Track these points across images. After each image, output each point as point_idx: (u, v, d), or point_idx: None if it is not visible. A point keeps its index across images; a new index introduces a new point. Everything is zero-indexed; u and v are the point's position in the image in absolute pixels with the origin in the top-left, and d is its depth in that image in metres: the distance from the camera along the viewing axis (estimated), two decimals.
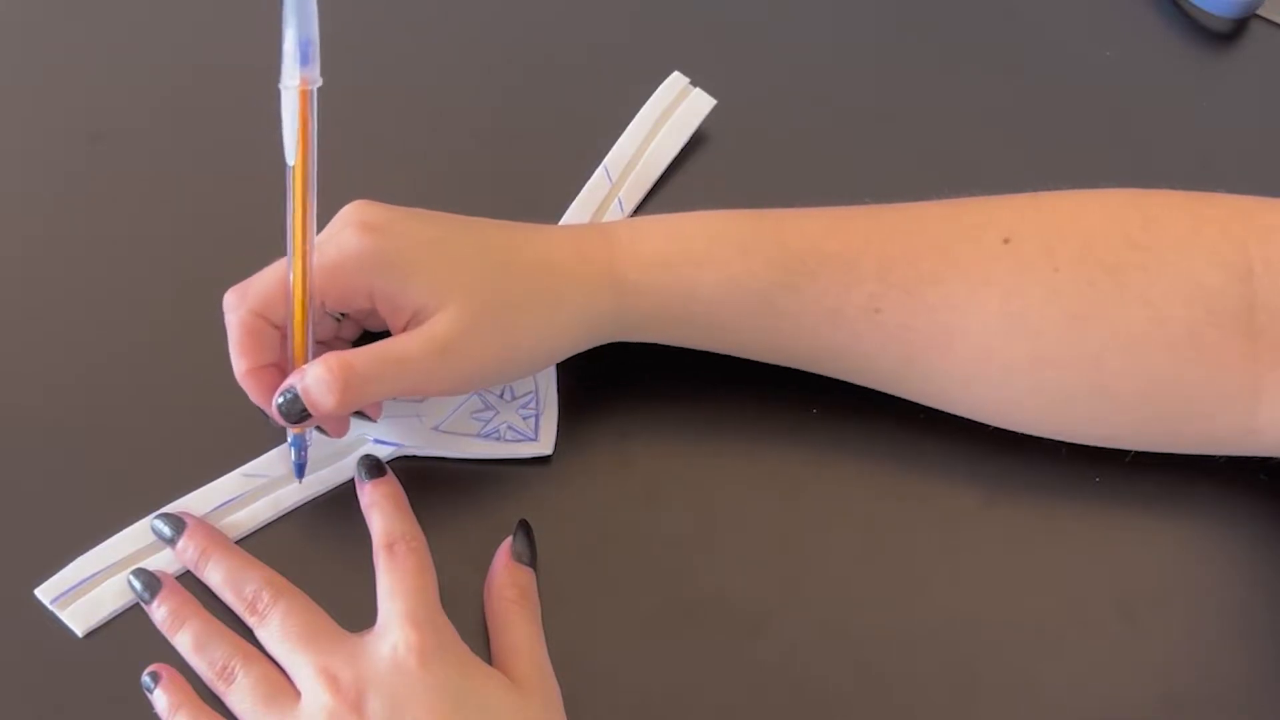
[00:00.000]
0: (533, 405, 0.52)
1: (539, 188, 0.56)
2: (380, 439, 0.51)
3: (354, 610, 0.48)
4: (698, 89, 0.58)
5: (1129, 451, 0.51)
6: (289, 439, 0.49)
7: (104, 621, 0.48)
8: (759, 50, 0.60)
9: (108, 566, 0.49)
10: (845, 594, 0.50)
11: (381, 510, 0.49)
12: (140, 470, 0.51)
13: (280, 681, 0.46)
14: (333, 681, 0.44)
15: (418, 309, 0.47)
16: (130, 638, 0.48)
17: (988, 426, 0.51)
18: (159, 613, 0.48)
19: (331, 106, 0.58)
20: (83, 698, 0.47)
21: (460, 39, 0.60)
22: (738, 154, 0.58)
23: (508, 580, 0.49)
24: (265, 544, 0.50)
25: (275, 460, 0.51)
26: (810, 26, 0.57)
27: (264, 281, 0.48)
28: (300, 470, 0.50)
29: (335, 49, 0.60)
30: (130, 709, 0.47)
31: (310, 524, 0.51)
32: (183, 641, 0.47)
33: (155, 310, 0.54)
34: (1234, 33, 0.61)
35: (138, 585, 0.48)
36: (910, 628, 0.49)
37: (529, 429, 0.52)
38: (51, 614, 0.48)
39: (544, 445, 0.51)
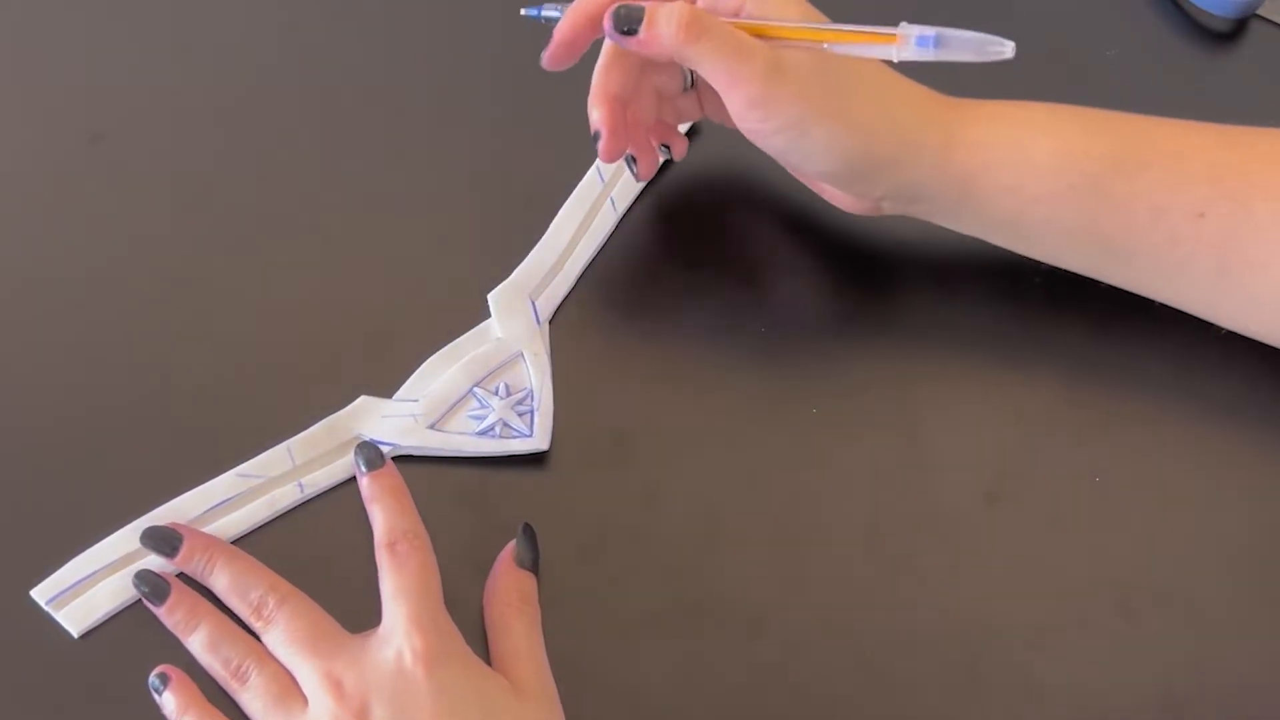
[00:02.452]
0: (529, 402, 0.52)
1: (531, 188, 0.56)
2: (376, 439, 0.51)
3: (353, 611, 0.48)
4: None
5: (1128, 451, 0.51)
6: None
7: (99, 622, 0.48)
8: None
9: (103, 567, 0.49)
10: (845, 594, 0.50)
11: (383, 505, 0.49)
12: (136, 470, 0.51)
13: (290, 684, 0.46)
14: (337, 687, 0.45)
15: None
16: (126, 638, 0.48)
17: (987, 426, 0.51)
18: (173, 616, 0.47)
19: (329, 105, 0.59)
20: (78, 698, 0.47)
21: (453, 41, 0.60)
22: (733, 154, 0.58)
23: (509, 584, 0.48)
24: (262, 545, 0.50)
25: (271, 461, 0.51)
26: None
27: None
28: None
29: (333, 49, 0.60)
30: (126, 709, 0.47)
31: (307, 525, 0.50)
32: (197, 641, 0.47)
33: (154, 310, 0.54)
34: (1234, 33, 0.61)
35: (145, 589, 0.48)
36: (910, 627, 0.49)
37: (525, 426, 0.52)
38: (47, 615, 0.48)
39: (540, 441, 0.51)
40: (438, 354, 0.53)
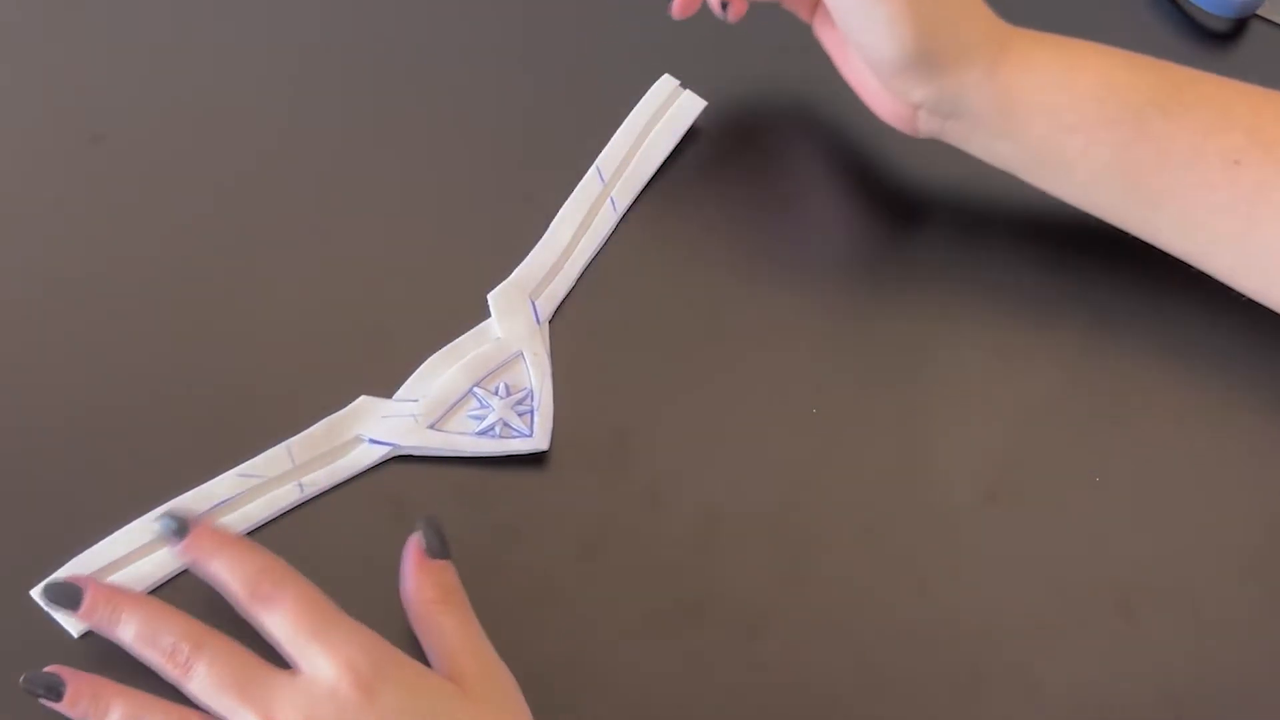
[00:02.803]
0: (528, 402, 0.52)
1: (531, 188, 0.56)
2: (375, 439, 0.51)
3: (354, 613, 0.48)
4: (688, 90, 0.58)
5: (1128, 450, 0.51)
6: None
7: None
8: (749, 51, 0.60)
9: (103, 567, 0.49)
10: (845, 594, 0.50)
11: (220, 562, 0.45)
12: (136, 470, 0.51)
13: None
14: None
15: None
16: None
17: (987, 425, 0.51)
18: (76, 708, 0.44)
19: (328, 105, 0.59)
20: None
21: (451, 42, 0.60)
22: (729, 154, 0.58)
23: (425, 580, 0.46)
24: (262, 545, 0.50)
25: (271, 460, 0.51)
26: (801, 24, 0.57)
27: None
28: None
29: (333, 49, 0.60)
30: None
31: (306, 525, 0.50)
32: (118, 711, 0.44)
33: (154, 310, 0.54)
34: (1234, 33, 0.61)
35: (39, 690, 0.44)
36: (910, 627, 0.49)
37: (525, 426, 0.52)
38: (47, 614, 0.48)
39: (540, 441, 0.51)
40: (438, 354, 0.53)
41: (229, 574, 0.45)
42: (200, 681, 0.43)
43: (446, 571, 0.47)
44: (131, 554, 0.49)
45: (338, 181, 0.57)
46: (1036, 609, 0.50)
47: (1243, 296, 0.51)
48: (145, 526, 0.49)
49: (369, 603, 0.48)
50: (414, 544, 0.47)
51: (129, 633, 0.45)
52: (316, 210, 0.56)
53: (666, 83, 0.58)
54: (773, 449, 0.52)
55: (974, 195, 0.57)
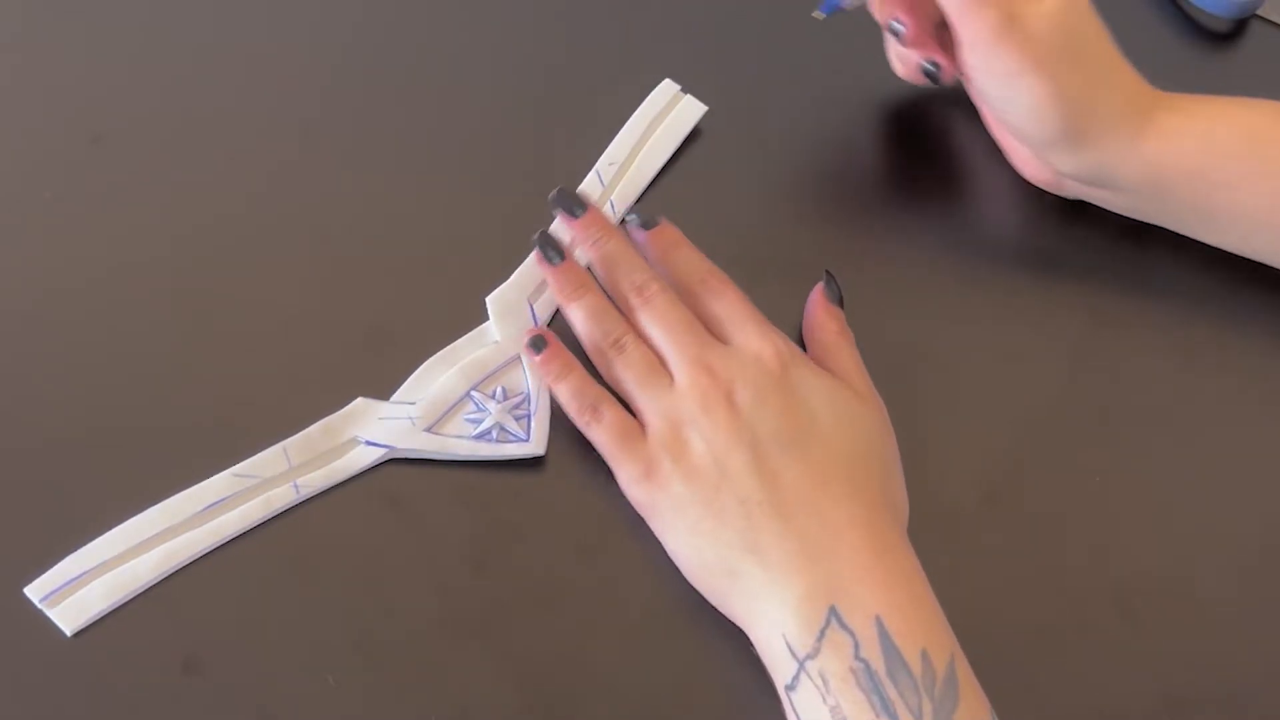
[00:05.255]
0: (525, 407, 0.52)
1: (531, 190, 0.56)
2: (371, 441, 0.51)
3: (351, 612, 0.48)
4: (689, 95, 0.58)
5: (1128, 450, 0.50)
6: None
7: (93, 621, 0.48)
8: (750, 56, 0.60)
9: (97, 566, 0.49)
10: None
11: (682, 250, 0.53)
12: (131, 469, 0.51)
13: (658, 362, 0.50)
14: (707, 370, 0.49)
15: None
16: (119, 638, 0.48)
17: (987, 426, 0.51)
18: (561, 278, 0.52)
19: (328, 105, 0.59)
20: (70, 697, 0.47)
21: (452, 44, 0.60)
22: (729, 158, 0.58)
23: (827, 317, 0.52)
24: (256, 545, 0.50)
25: (267, 461, 0.51)
26: (800, 31, 0.58)
27: None
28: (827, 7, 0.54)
29: (333, 50, 0.60)
30: (118, 708, 0.47)
31: (306, 523, 0.50)
32: (580, 310, 0.52)
33: (152, 310, 0.54)
34: (1234, 33, 0.61)
35: (549, 251, 0.53)
36: None
37: (522, 430, 0.52)
38: (40, 612, 0.48)
39: (536, 446, 0.51)
40: (435, 356, 0.53)
41: (686, 265, 0.53)
42: (653, 313, 0.51)
43: (840, 315, 0.53)
44: (127, 552, 0.49)
45: (337, 183, 0.57)
46: (1036, 609, 0.49)
47: (1242, 296, 0.51)
48: (140, 525, 0.49)
49: (368, 602, 0.48)
50: (818, 290, 0.53)
51: (609, 249, 0.53)
52: (316, 211, 0.56)
53: (668, 87, 0.58)
54: None
55: (974, 194, 0.57)
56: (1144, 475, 0.52)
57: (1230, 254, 0.54)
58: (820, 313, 0.53)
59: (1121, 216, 0.55)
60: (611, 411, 0.50)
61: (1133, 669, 0.48)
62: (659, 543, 0.49)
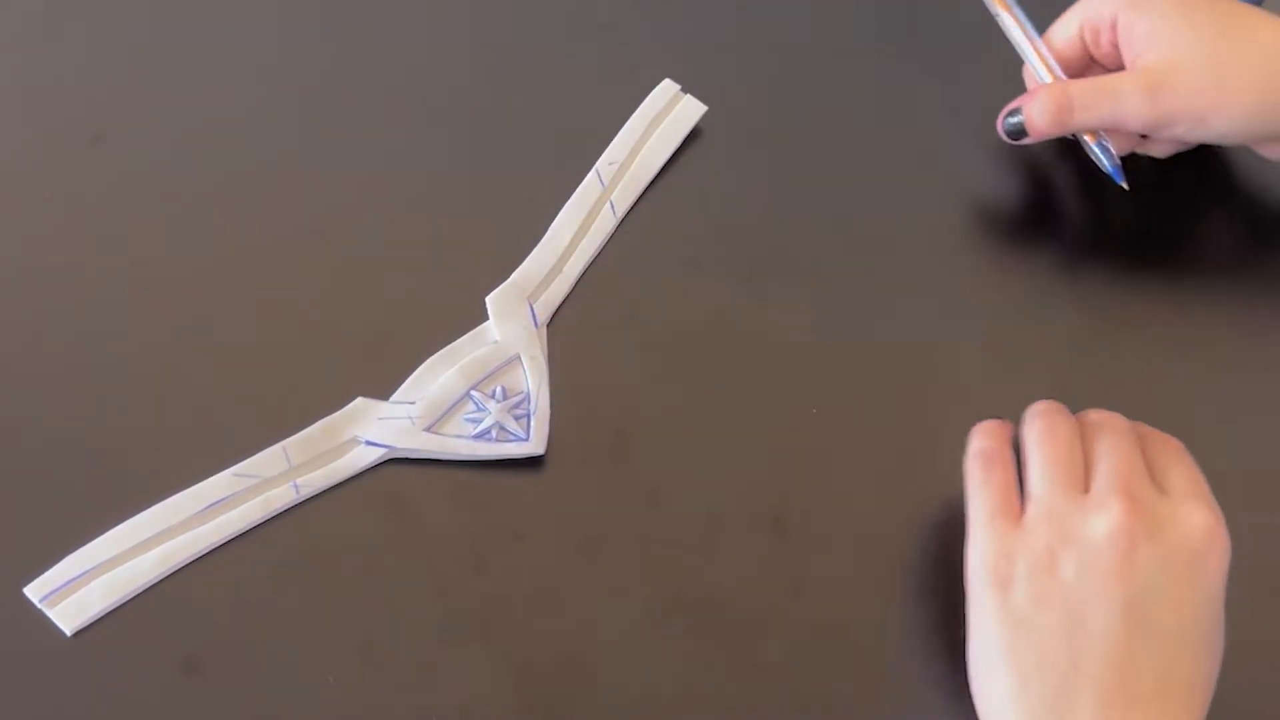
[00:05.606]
0: (525, 406, 0.52)
1: (531, 191, 0.56)
2: (372, 440, 0.51)
3: (350, 611, 0.48)
4: (688, 95, 0.58)
5: None
6: (1097, 145, 0.54)
7: (92, 620, 0.48)
8: (750, 56, 0.60)
9: (97, 565, 0.49)
10: (845, 594, 0.50)
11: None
12: (131, 469, 0.51)
13: (1083, 461, 0.45)
14: (1135, 503, 0.43)
15: (1142, 49, 0.51)
16: (118, 637, 0.48)
17: None
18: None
19: (328, 105, 0.59)
20: (71, 697, 0.47)
21: (452, 45, 0.60)
22: (729, 158, 0.58)
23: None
24: (256, 545, 0.50)
25: (266, 461, 0.51)
26: (801, 31, 0.58)
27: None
28: (1117, 173, 0.53)
29: (333, 50, 0.60)
30: (118, 708, 0.47)
31: (302, 526, 0.50)
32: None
33: (152, 310, 0.54)
34: None
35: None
36: (910, 627, 0.49)
37: (521, 430, 0.51)
38: (40, 612, 0.48)
39: (536, 445, 0.51)
40: (435, 356, 0.53)
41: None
42: (1105, 429, 0.46)
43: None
44: (127, 552, 0.49)
45: (337, 182, 0.57)
46: None
47: (1242, 296, 0.51)
48: (140, 525, 0.49)
49: (368, 602, 0.48)
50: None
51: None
52: (316, 211, 0.56)
53: (667, 87, 0.58)
54: (773, 449, 0.52)
55: (973, 195, 0.57)
56: None
57: (1231, 255, 0.54)
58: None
59: (1121, 215, 0.55)
60: (1003, 473, 0.46)
61: None
62: (659, 543, 0.49)
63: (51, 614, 0.48)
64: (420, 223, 0.56)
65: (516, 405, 0.52)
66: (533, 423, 0.52)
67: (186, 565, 0.49)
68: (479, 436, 0.51)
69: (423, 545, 0.50)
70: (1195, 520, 0.44)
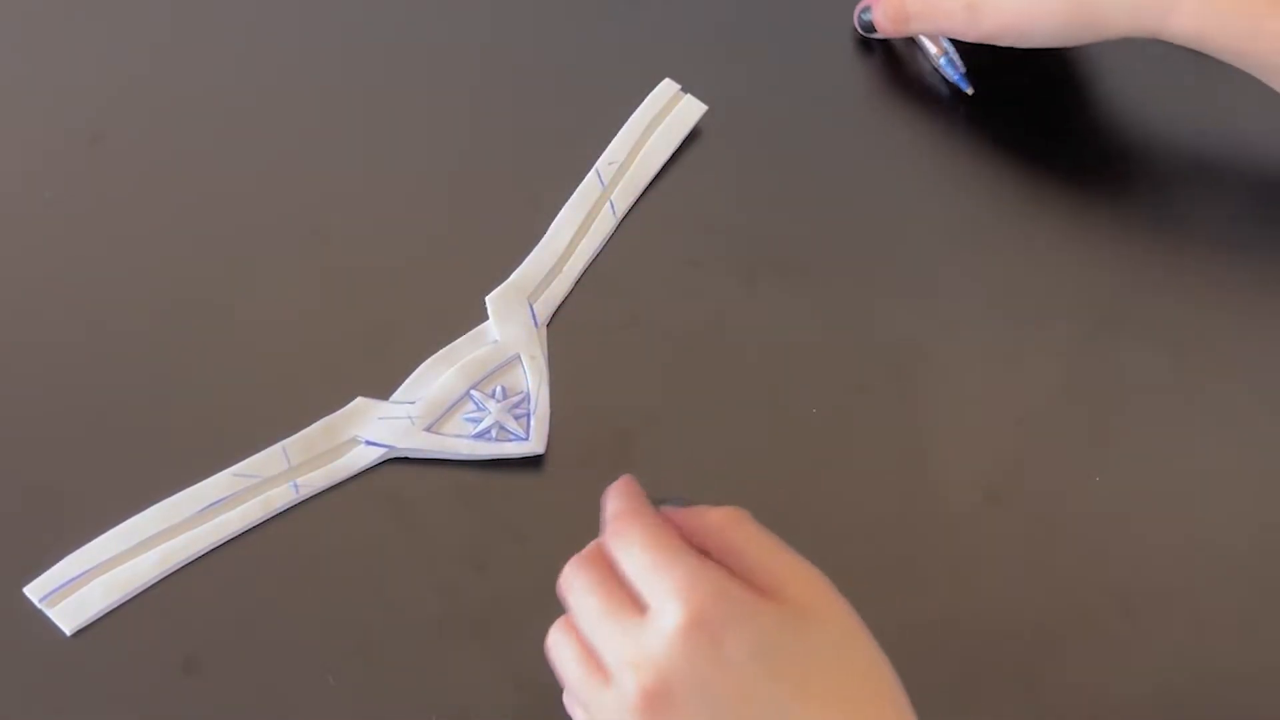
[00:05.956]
0: (525, 406, 0.52)
1: (531, 192, 0.56)
2: (371, 440, 0.51)
3: (346, 618, 0.48)
4: (689, 95, 0.58)
5: (1128, 450, 0.50)
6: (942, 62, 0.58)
7: (92, 620, 0.48)
8: (750, 55, 0.60)
9: (97, 565, 0.49)
10: (845, 594, 0.49)
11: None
12: (131, 469, 0.51)
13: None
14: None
15: None
16: (118, 637, 0.48)
17: (987, 426, 0.51)
18: None
19: (329, 104, 0.59)
20: (70, 696, 0.47)
21: (452, 43, 0.60)
22: (729, 158, 0.58)
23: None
24: (256, 545, 0.50)
25: (266, 461, 0.51)
26: (801, 31, 0.58)
27: None
28: (963, 81, 0.57)
29: (333, 49, 0.60)
30: (118, 708, 0.47)
31: (302, 526, 0.50)
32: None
33: (152, 310, 0.54)
34: None
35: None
36: (910, 627, 0.49)
37: (521, 429, 0.51)
38: (40, 612, 0.48)
39: (536, 445, 0.51)
40: (435, 356, 0.53)
41: None
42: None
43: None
44: (126, 552, 0.49)
45: (338, 183, 0.57)
46: (1036, 609, 0.49)
47: (1242, 297, 0.51)
48: (139, 525, 0.49)
49: (368, 602, 0.48)
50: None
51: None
52: (317, 211, 0.56)
53: (668, 87, 0.58)
54: (773, 449, 0.52)
55: (973, 195, 0.57)
56: (1144, 475, 0.52)
57: (1230, 254, 0.54)
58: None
59: (1123, 215, 0.55)
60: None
61: (1133, 669, 0.48)
62: None
63: (51, 614, 0.48)
64: (420, 223, 0.56)
65: (516, 405, 0.52)
66: (533, 422, 0.52)
67: (187, 565, 0.49)
68: (479, 436, 0.51)
69: (423, 545, 0.50)
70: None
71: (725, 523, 0.43)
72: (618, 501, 0.43)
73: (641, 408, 0.53)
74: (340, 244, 0.55)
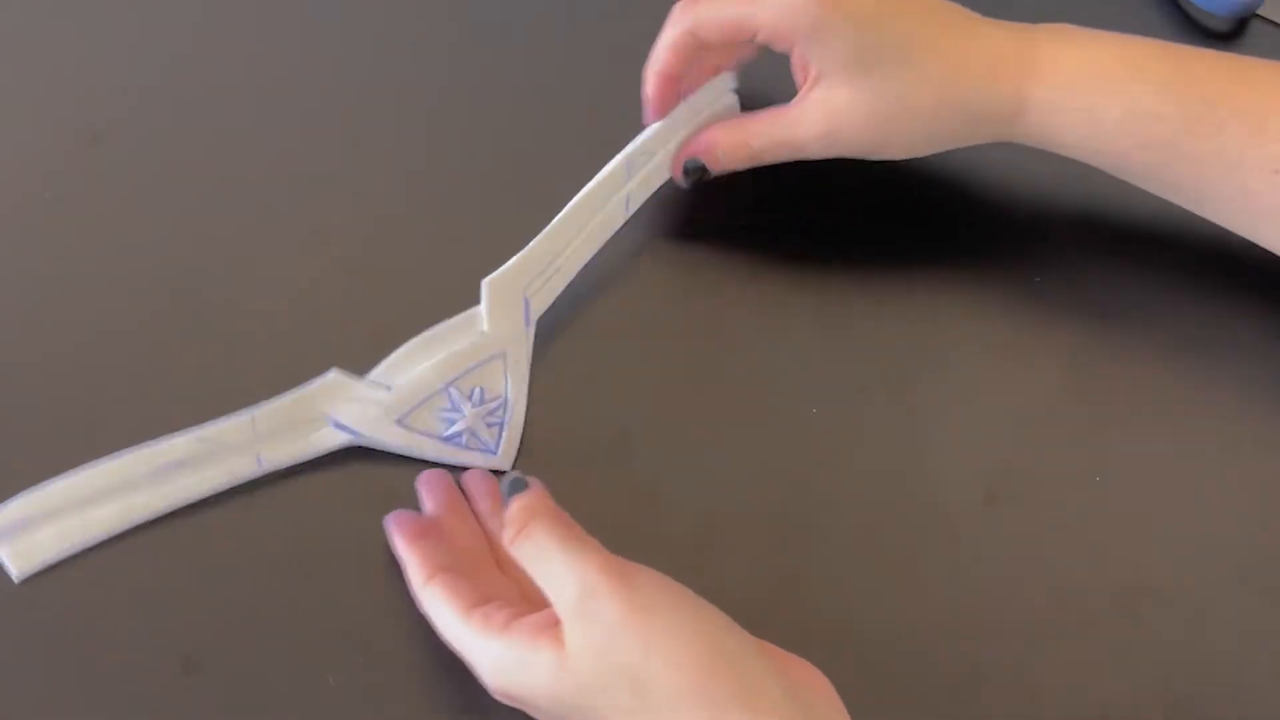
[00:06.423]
0: (500, 414, 0.51)
1: (531, 188, 0.56)
2: (340, 423, 0.50)
3: (347, 612, 0.48)
4: (735, 92, 0.56)
5: (1128, 450, 0.50)
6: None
7: (43, 568, 0.48)
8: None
9: (52, 510, 0.48)
10: (845, 593, 0.50)
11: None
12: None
13: None
14: None
15: (818, 72, 0.51)
16: (117, 636, 0.48)
17: (987, 426, 0.51)
18: None
19: (329, 103, 0.59)
20: (71, 696, 0.47)
21: (454, 41, 0.60)
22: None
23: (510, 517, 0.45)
24: (255, 545, 0.50)
25: (232, 427, 0.50)
26: None
27: (716, 11, 0.51)
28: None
29: (332, 46, 0.60)
30: (115, 707, 0.47)
31: (301, 525, 0.50)
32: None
33: (151, 310, 0.54)
34: (1234, 33, 0.61)
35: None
36: (910, 627, 0.49)
37: (491, 440, 0.51)
38: (39, 607, 0.48)
39: (503, 460, 0.51)
40: (418, 339, 0.51)
41: None
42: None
43: (530, 497, 0.46)
44: (82, 500, 0.49)
45: (338, 181, 0.57)
46: (1036, 609, 0.49)
47: (1242, 297, 0.51)
48: (95, 475, 0.49)
49: (367, 601, 0.48)
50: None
51: None
52: (316, 209, 0.56)
53: (727, 79, 0.55)
54: (773, 449, 0.52)
55: (974, 195, 0.57)
56: (1144, 475, 0.52)
57: (1229, 253, 0.54)
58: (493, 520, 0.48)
59: (1121, 215, 0.55)
60: None
61: (1133, 669, 0.48)
62: (659, 543, 0.49)
63: (2, 553, 0.48)
64: (420, 220, 0.56)
65: (492, 411, 0.51)
66: (505, 433, 0.51)
67: (186, 566, 0.49)
68: (449, 439, 0.51)
69: None
70: None
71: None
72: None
73: (641, 408, 0.53)
74: (341, 244, 0.55)
